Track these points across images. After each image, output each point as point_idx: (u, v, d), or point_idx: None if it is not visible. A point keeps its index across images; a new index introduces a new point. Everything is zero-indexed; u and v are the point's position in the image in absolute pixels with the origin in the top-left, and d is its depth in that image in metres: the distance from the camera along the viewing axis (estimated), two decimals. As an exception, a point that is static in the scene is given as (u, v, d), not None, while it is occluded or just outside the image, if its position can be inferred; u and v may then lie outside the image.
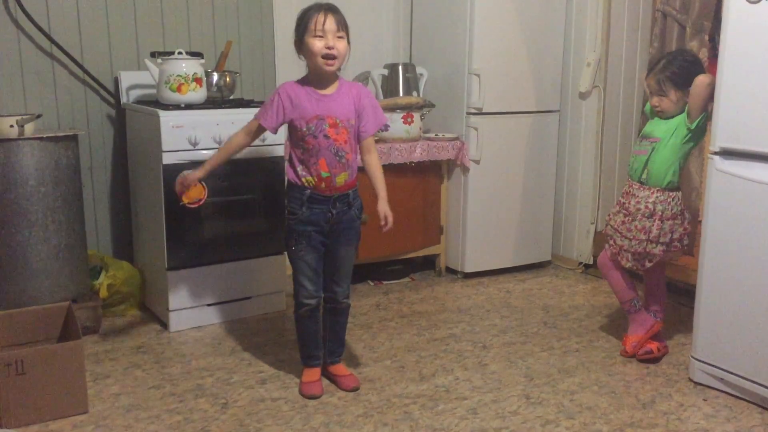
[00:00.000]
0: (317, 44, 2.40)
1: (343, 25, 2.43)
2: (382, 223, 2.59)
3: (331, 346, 2.73)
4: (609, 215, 2.98)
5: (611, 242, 2.92)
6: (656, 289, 3.01)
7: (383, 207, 2.59)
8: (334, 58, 2.42)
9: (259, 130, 2.56)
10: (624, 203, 2.89)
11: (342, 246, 2.59)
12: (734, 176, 2.53)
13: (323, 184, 2.49)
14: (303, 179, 2.50)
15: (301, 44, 2.46)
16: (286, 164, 2.62)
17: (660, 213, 2.80)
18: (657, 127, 2.84)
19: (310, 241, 2.54)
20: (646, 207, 2.81)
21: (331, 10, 2.43)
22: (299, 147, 2.50)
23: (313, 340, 2.67)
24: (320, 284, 2.61)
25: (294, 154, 2.52)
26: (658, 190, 2.81)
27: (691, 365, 2.76)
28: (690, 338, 2.79)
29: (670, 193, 2.81)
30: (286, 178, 2.62)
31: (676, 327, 3.18)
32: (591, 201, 4.13)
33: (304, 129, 2.46)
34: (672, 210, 2.80)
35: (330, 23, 2.39)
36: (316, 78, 2.50)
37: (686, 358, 2.89)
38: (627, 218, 2.86)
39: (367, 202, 2.78)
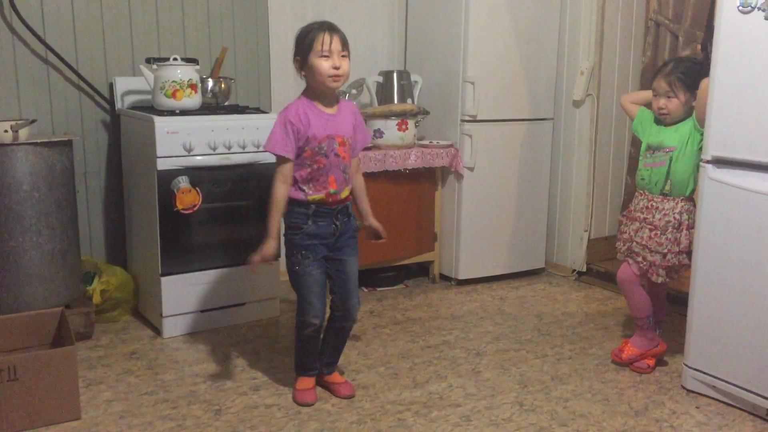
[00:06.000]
0: (324, 65, 2.41)
1: (346, 44, 2.46)
2: (383, 234, 2.75)
3: (330, 359, 2.72)
4: (627, 233, 2.90)
5: (639, 259, 2.84)
6: (658, 303, 3.00)
7: (376, 222, 2.73)
8: (340, 77, 2.44)
9: (289, 165, 2.47)
10: (646, 218, 2.83)
11: (349, 257, 2.59)
12: (727, 185, 2.54)
13: (330, 200, 2.50)
14: (309, 198, 2.49)
15: (304, 63, 2.45)
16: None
17: (686, 222, 2.78)
18: (667, 136, 2.81)
19: (316, 255, 2.53)
20: (675, 218, 2.77)
21: (334, 29, 2.44)
22: (306, 167, 2.47)
23: (314, 355, 2.66)
24: (325, 301, 2.58)
25: (298, 175, 2.49)
26: (682, 200, 2.79)
27: (684, 373, 2.77)
28: (683, 346, 2.80)
29: (691, 202, 2.80)
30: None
31: (669, 335, 3.19)
32: (584, 208, 4.15)
33: (316, 149, 2.46)
34: (693, 218, 2.78)
35: (336, 43, 2.41)
36: (320, 96, 2.50)
37: (679, 365, 2.90)
38: (654, 233, 2.80)
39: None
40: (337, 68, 2.42)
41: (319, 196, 2.48)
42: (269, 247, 2.46)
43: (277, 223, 2.48)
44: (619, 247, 2.97)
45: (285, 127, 2.45)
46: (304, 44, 2.44)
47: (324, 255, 2.55)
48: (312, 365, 2.67)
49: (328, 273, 2.57)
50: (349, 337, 3.09)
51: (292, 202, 2.52)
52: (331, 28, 2.43)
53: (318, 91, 2.49)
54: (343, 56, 2.44)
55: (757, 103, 2.42)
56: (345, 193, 2.54)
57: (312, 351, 2.65)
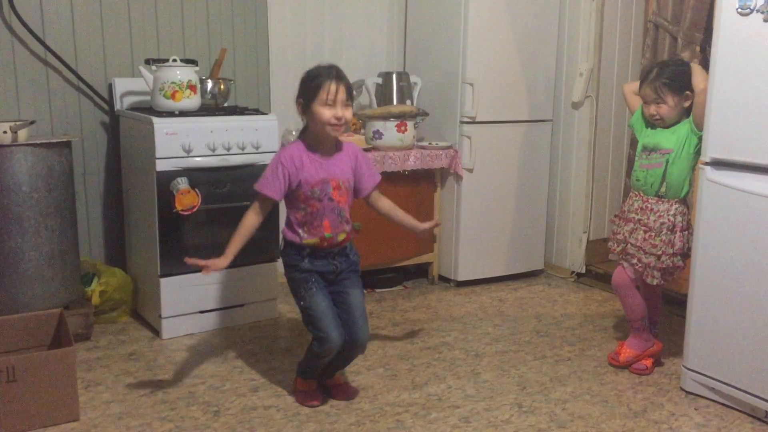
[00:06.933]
0: (327, 113, 2.40)
1: (351, 93, 2.46)
2: (437, 222, 2.95)
3: (332, 372, 2.69)
4: (621, 234, 2.91)
5: (634, 261, 2.84)
6: (653, 303, 3.01)
7: (427, 224, 2.78)
8: (341, 126, 2.45)
9: (268, 203, 2.50)
10: (641, 219, 2.83)
11: (352, 290, 2.57)
12: (725, 186, 2.54)
13: (325, 243, 2.50)
14: (304, 241, 2.49)
15: (306, 108, 2.45)
16: (284, 226, 2.57)
17: (680, 224, 2.79)
18: (664, 138, 2.82)
19: (319, 283, 2.52)
20: (669, 220, 2.78)
21: (341, 78, 2.43)
22: (301, 210, 2.48)
23: (322, 368, 2.64)
24: (339, 325, 2.51)
25: (294, 218, 2.50)
26: (676, 202, 2.80)
27: (683, 375, 2.77)
28: (681, 348, 2.80)
29: (685, 204, 2.81)
30: (281, 236, 2.59)
31: (668, 336, 3.19)
32: (583, 210, 4.15)
33: (309, 193, 2.46)
34: (687, 219, 2.81)
35: (341, 93, 2.41)
36: (318, 141, 2.49)
37: (678, 367, 2.91)
38: (649, 234, 2.80)
39: (362, 209, 2.79)
40: (339, 118, 2.41)
41: (313, 240, 2.49)
42: (218, 261, 2.45)
43: (235, 247, 2.47)
44: (613, 247, 2.97)
45: (276, 168, 2.46)
46: (310, 89, 2.42)
47: (324, 285, 2.54)
48: (317, 374, 2.66)
49: (335, 304, 2.55)
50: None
51: (288, 245, 2.54)
52: (338, 76, 2.42)
53: (316, 135, 2.48)
54: (346, 105, 2.44)
55: (756, 105, 2.42)
56: (341, 237, 2.52)
57: (322, 366, 2.62)
